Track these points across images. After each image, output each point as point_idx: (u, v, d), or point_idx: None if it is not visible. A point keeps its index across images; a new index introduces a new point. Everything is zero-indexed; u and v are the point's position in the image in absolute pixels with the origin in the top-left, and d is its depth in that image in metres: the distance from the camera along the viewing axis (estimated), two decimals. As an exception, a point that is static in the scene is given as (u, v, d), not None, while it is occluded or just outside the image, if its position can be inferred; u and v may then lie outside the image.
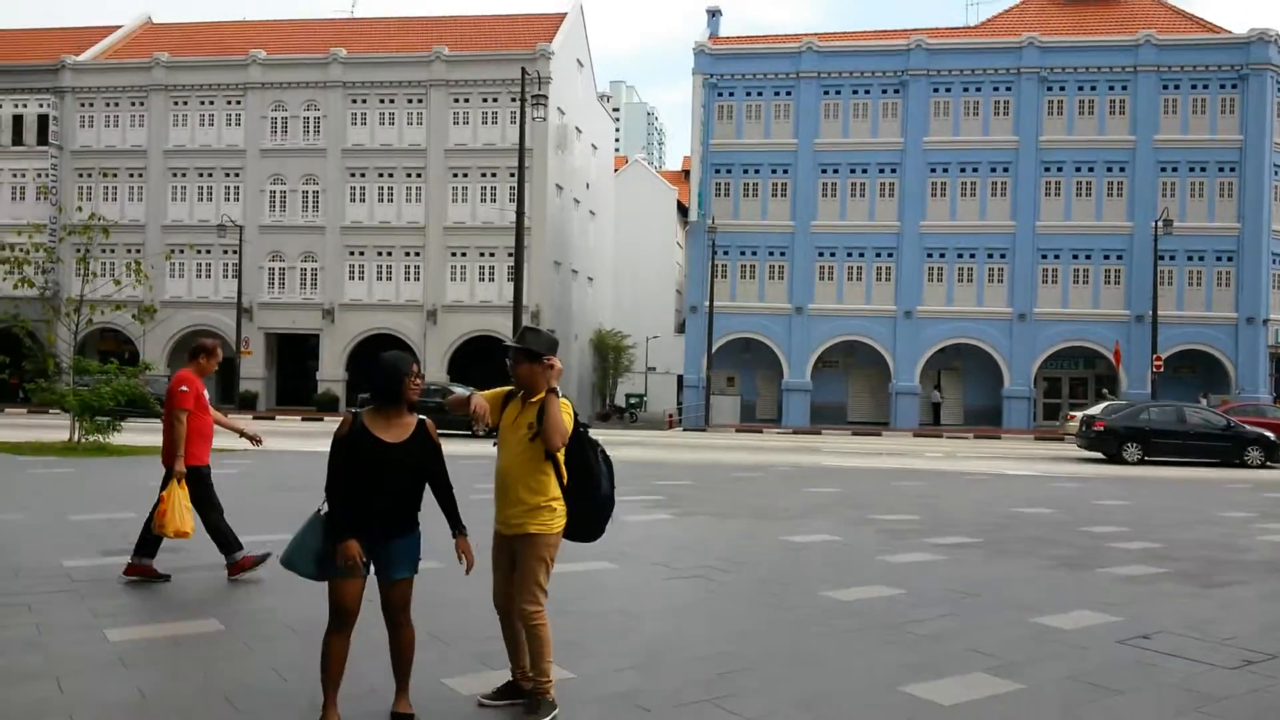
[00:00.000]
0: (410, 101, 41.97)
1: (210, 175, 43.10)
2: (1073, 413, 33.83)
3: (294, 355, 43.16)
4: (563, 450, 4.50)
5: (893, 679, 5.28)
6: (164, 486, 7.25)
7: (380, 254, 41.97)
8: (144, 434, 23.43)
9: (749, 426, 38.62)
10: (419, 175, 41.72)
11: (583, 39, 48.13)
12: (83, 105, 43.98)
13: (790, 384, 39.97)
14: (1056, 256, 38.80)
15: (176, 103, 43.41)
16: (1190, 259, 38.13)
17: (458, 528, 4.44)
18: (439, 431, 4.56)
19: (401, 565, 4.38)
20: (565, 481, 4.56)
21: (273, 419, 35.41)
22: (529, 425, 4.46)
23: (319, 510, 4.37)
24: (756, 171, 40.69)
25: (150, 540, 7.33)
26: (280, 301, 42.29)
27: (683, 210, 59.64)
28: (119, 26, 48.81)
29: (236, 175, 42.88)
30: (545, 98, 30.54)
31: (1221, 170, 38.17)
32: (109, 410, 18.52)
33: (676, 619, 6.65)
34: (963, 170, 39.34)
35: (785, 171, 40.44)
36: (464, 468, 15.32)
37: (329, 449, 4.35)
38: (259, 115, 42.66)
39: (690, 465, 19.72)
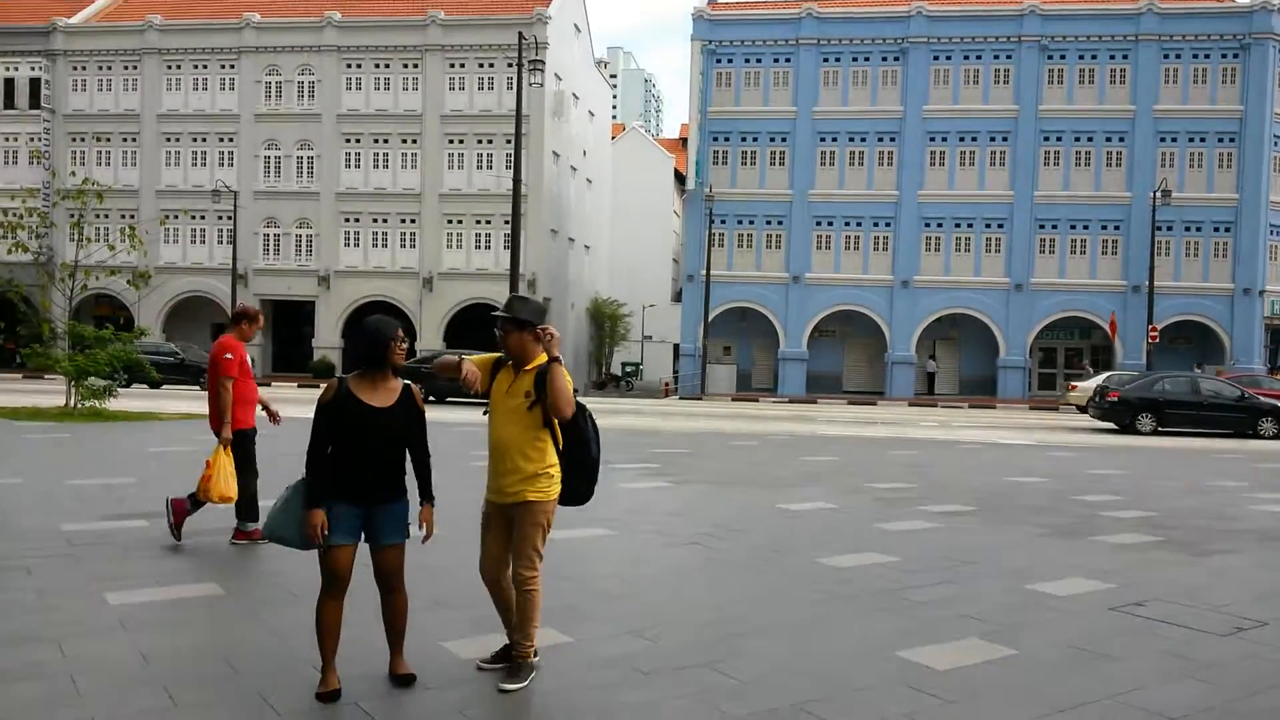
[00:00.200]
0: (405, 66, 41.60)
1: (204, 140, 42.78)
2: (1073, 383, 33.93)
3: (290, 322, 43.07)
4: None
5: (888, 644, 5.33)
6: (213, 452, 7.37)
7: (376, 220, 41.78)
8: (140, 400, 23.46)
9: (745, 395, 38.69)
10: (414, 141, 41.44)
11: (580, 4, 47.64)
12: (75, 68, 43.54)
13: (786, 353, 40.00)
14: (1054, 226, 38.73)
15: (170, 66, 42.99)
16: (1188, 230, 38.09)
17: (428, 496, 4.45)
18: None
19: (391, 531, 4.39)
20: (560, 447, 4.57)
21: (269, 386, 35.34)
22: (525, 393, 4.46)
23: (304, 479, 4.37)
24: (755, 140, 40.46)
25: (249, 505, 7.43)
26: (275, 268, 42.13)
27: (680, 178, 59.40)
28: (110, -12, 48.20)
29: (231, 140, 42.56)
30: (542, 63, 30.28)
31: (1221, 141, 38.03)
32: (112, 376, 18.50)
33: (674, 585, 6.70)
34: (962, 139, 39.15)
35: (783, 140, 40.22)
36: (465, 435, 15.36)
37: (314, 413, 4.35)
38: (253, 80, 42.27)
39: (686, 434, 19.77)
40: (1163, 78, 38.16)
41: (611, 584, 6.63)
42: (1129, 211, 38.02)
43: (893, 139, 39.54)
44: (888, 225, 39.65)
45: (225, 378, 7.31)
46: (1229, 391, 23.94)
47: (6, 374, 36.25)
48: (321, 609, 4.33)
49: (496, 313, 4.56)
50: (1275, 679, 4.95)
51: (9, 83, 43.61)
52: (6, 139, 43.40)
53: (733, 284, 40.15)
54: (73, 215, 20.73)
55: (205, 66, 42.81)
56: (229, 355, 7.33)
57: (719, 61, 40.72)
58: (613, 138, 59.70)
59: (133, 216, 39.54)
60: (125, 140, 43.14)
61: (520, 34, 30.76)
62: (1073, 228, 38.67)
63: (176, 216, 40.61)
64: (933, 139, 39.28)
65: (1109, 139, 38.44)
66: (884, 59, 39.74)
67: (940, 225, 39.32)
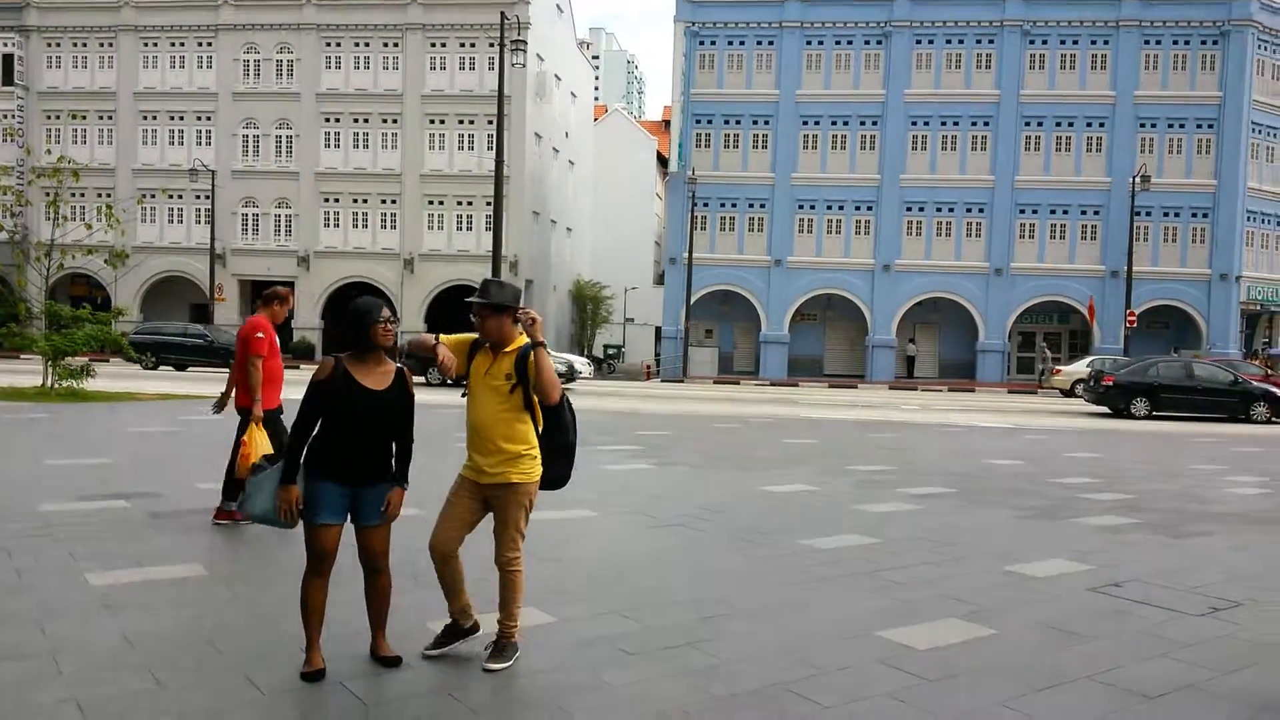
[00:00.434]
0: (386, 45, 41.23)
1: (181, 119, 42.29)
2: (1058, 367, 34.20)
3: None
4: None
5: (869, 624, 5.38)
6: (242, 431, 7.34)
7: (356, 201, 41.49)
8: (117, 380, 23.26)
9: (726, 378, 38.78)
10: (395, 121, 41.13)
11: (562, -16, 47.31)
12: (49, 45, 42.90)
13: (768, 336, 40.09)
14: (1034, 211, 38.92)
15: (146, 43, 42.43)
16: (1166, 215, 38.37)
17: (403, 479, 4.44)
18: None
19: (377, 512, 4.39)
20: (540, 429, 4.57)
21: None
22: (506, 375, 4.45)
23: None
24: (737, 122, 40.39)
25: (235, 484, 7.37)
26: (254, 248, 41.80)
27: (662, 161, 59.25)
28: (85, -37, 47.39)
29: (208, 119, 42.10)
30: (524, 43, 30.06)
31: (1200, 127, 38.28)
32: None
33: (658, 566, 6.72)
34: (944, 124, 39.23)
35: (766, 123, 40.17)
36: (449, 416, 15.31)
37: (305, 391, 4.33)
38: (230, 57, 41.78)
39: (669, 416, 19.81)
40: (1143, 63, 38.33)
41: (595, 565, 6.65)
42: (1108, 197, 38.24)
43: (875, 123, 39.57)
44: (869, 209, 39.73)
45: (255, 355, 7.35)
46: (1223, 376, 24.16)
47: (-19, 354, 35.83)
48: (306, 587, 4.32)
49: (472, 299, 4.51)
50: (1250, 658, 5.04)
51: (-19, 58, 42.92)
52: (-21, 116, 42.73)
53: (715, 267, 40.16)
54: (48, 194, 20.46)
55: (182, 44, 42.28)
56: (260, 334, 7.38)
57: (702, 43, 40.58)
58: (595, 119, 59.44)
59: (109, 195, 39.07)
60: (101, 118, 42.60)
61: (502, 13, 30.53)
62: (1052, 213, 38.87)
63: (154, 195, 40.15)
64: (914, 123, 39.33)
65: (1089, 124, 38.61)
66: (867, 42, 39.71)
67: (922, 209, 39.44)
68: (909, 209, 39.50)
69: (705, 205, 40.16)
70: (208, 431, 13.24)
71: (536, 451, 4.56)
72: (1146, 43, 38.33)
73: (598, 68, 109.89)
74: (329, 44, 41.44)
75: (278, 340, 7.63)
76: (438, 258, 40.78)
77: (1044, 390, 34.60)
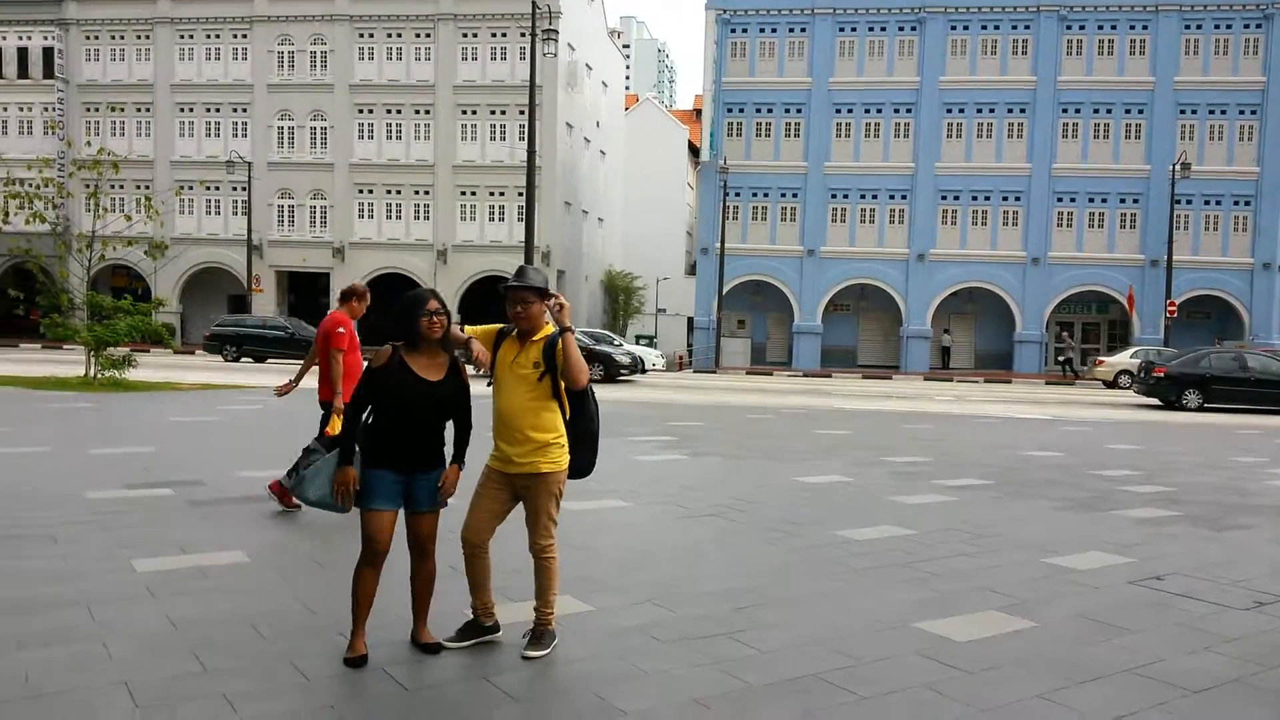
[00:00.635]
0: (418, 36, 41.39)
1: (218, 110, 42.73)
2: (1100, 358, 33.67)
3: (306, 293, 43.21)
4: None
5: (906, 615, 5.36)
6: (325, 422, 7.63)
7: (389, 192, 41.74)
8: (158, 370, 23.61)
9: (759, 369, 38.67)
10: (427, 112, 41.30)
11: (594, -27, 47.24)
12: (88, 38, 43.48)
13: (801, 327, 39.90)
14: (1072, 200, 38.40)
15: (182, 36, 42.89)
16: (1207, 203, 37.71)
17: (460, 459, 4.52)
18: None
19: (428, 498, 4.44)
20: (567, 418, 4.60)
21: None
22: (534, 364, 4.47)
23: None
24: (769, 111, 40.15)
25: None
26: (290, 239, 42.20)
27: (694, 150, 59.10)
28: (123, -43, 47.99)
29: (244, 110, 42.51)
30: (555, 33, 30.02)
31: (1242, 113, 37.55)
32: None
33: (691, 556, 6.73)
34: (979, 111, 38.77)
35: (799, 111, 39.91)
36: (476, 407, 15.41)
37: (361, 376, 4.39)
38: (265, 49, 42.14)
39: (701, 406, 19.80)
40: (1183, 48, 37.64)
41: (629, 555, 6.67)
42: (1147, 185, 37.64)
43: (909, 110, 39.18)
44: (903, 198, 39.38)
45: (336, 350, 7.52)
46: (1276, 367, 23.66)
47: (27, 344, 36.52)
48: (358, 576, 4.40)
49: (511, 283, 4.50)
50: (1295, 653, 4.96)
51: (22, 52, 43.58)
52: (21, 109, 43.43)
53: (747, 257, 39.99)
54: (88, 186, 20.78)
55: (218, 36, 42.70)
56: (341, 330, 7.56)
57: (734, 31, 40.36)
58: (626, 109, 59.35)
59: (147, 187, 39.59)
60: (139, 110, 43.14)
61: (534, 3, 30.50)
62: (1090, 201, 38.33)
63: (191, 187, 40.64)
64: (949, 110, 38.90)
65: (1128, 111, 37.99)
66: (900, 29, 39.30)
67: (957, 198, 39.03)
68: (944, 198, 39.10)
69: (737, 195, 39.99)
70: (248, 422, 13.43)
71: (564, 439, 4.58)
72: (1187, 27, 37.63)
73: (628, 57, 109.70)
74: (361, 35, 41.67)
75: (358, 336, 7.80)
76: (471, 248, 40.96)
77: (1083, 381, 34.14)
